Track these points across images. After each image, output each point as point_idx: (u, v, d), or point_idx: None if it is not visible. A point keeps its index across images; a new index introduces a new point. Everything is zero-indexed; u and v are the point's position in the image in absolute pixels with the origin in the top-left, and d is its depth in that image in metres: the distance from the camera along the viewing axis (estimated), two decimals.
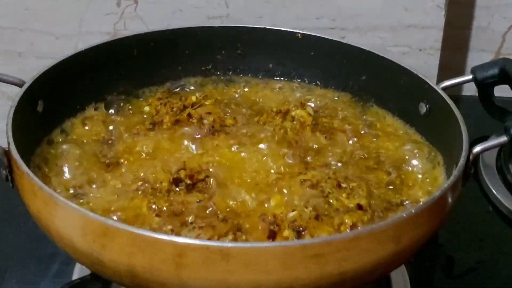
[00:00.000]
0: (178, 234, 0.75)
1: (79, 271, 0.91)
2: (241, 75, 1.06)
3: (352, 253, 0.69)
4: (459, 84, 0.96)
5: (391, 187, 0.86)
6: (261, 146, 0.91)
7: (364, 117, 0.99)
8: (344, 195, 0.81)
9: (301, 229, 0.76)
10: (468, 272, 0.97)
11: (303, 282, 0.68)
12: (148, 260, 0.68)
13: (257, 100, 1.03)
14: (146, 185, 0.83)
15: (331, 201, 0.80)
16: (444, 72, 1.27)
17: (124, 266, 0.69)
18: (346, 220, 0.77)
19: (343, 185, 0.83)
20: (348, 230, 0.77)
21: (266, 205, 0.82)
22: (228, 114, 0.97)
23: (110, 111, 0.98)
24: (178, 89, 1.04)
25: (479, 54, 1.33)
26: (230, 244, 0.67)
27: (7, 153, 0.79)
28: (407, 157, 0.90)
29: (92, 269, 0.77)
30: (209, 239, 0.74)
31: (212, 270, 0.67)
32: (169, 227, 0.77)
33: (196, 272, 0.67)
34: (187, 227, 0.76)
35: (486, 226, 1.05)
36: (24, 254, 0.97)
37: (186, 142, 0.91)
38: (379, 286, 0.91)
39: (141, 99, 1.01)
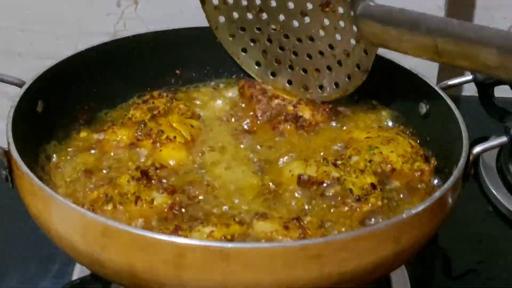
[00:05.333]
0: (191, 229, 0.75)
1: (79, 271, 0.91)
2: (242, 75, 1.06)
3: (352, 254, 0.69)
4: (459, 84, 0.97)
5: None
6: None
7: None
8: (354, 175, 0.82)
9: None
10: (468, 273, 0.97)
11: (303, 282, 0.68)
12: (148, 260, 0.68)
13: None
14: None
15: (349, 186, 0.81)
16: (444, 72, 1.27)
17: (124, 266, 0.69)
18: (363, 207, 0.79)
19: (338, 162, 0.84)
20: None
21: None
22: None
23: (110, 111, 0.98)
24: (177, 89, 1.04)
25: None
26: (230, 245, 0.68)
27: (7, 153, 0.79)
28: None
29: (92, 269, 0.77)
30: (223, 236, 0.74)
31: (212, 271, 0.67)
32: (186, 225, 0.77)
33: (196, 273, 0.67)
34: (202, 223, 0.77)
35: (486, 226, 1.05)
36: (24, 254, 0.97)
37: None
38: (379, 286, 0.91)
39: (142, 98, 1.01)
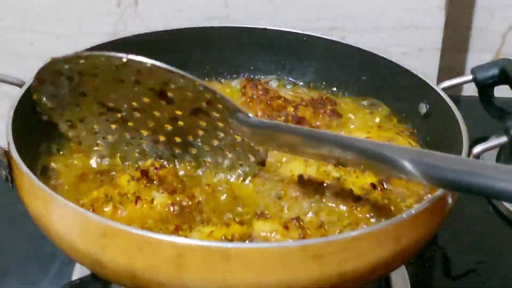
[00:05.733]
0: (191, 229, 0.75)
1: (79, 271, 0.91)
2: (241, 75, 1.06)
3: (352, 254, 0.69)
4: (459, 85, 0.96)
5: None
6: None
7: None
8: (354, 175, 0.81)
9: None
10: (468, 273, 0.97)
11: (303, 283, 0.68)
12: (148, 260, 0.68)
13: None
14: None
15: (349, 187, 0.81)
16: (444, 72, 1.27)
17: (124, 266, 0.69)
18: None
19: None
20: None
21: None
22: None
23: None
24: None
25: (479, 55, 1.33)
26: (230, 245, 0.67)
27: (7, 153, 0.79)
28: None
29: (92, 269, 0.77)
30: (223, 236, 0.74)
31: (212, 271, 0.67)
32: (186, 225, 0.77)
33: (196, 273, 0.67)
34: (202, 223, 0.77)
35: (486, 226, 1.05)
36: (24, 254, 0.97)
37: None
38: (379, 286, 0.91)
39: None
